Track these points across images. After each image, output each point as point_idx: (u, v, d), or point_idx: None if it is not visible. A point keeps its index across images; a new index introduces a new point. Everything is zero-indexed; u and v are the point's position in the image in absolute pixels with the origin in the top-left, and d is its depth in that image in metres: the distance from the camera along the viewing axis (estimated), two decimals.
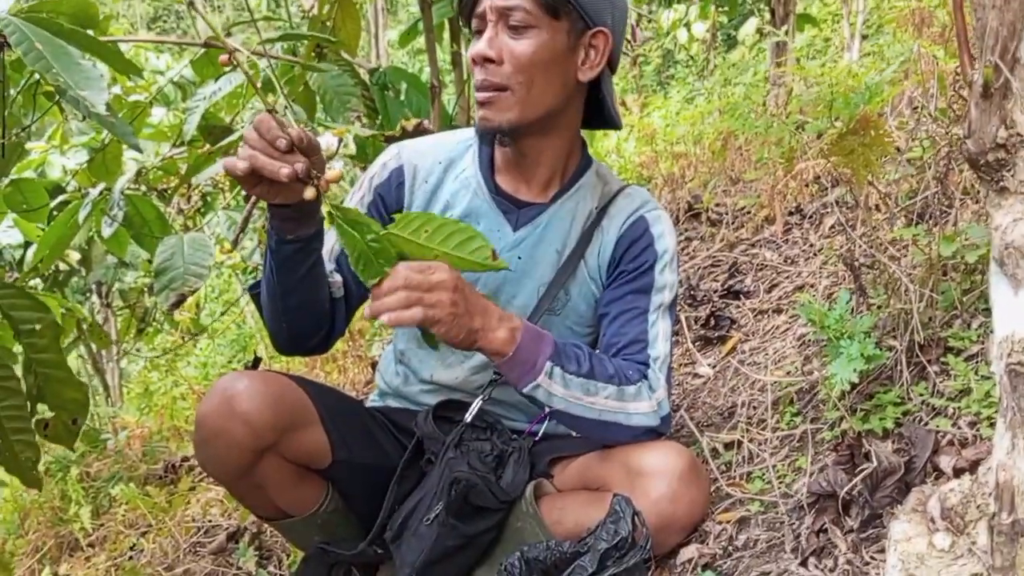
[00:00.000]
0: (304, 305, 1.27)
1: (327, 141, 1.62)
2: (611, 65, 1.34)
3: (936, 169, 1.67)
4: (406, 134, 1.76)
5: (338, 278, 1.36)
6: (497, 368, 1.23)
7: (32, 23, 0.89)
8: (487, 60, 1.25)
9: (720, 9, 5.03)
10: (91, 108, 0.86)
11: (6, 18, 0.89)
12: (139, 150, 1.11)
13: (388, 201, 1.41)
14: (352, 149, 2.08)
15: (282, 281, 1.22)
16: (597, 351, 1.32)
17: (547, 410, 1.44)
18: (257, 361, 1.44)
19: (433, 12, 2.16)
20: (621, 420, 1.26)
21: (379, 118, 2.08)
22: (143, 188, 2.37)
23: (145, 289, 3.01)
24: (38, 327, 0.86)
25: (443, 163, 1.42)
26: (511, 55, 1.24)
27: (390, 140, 1.74)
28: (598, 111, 1.39)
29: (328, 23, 2.08)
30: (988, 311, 0.82)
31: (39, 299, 0.92)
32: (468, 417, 1.34)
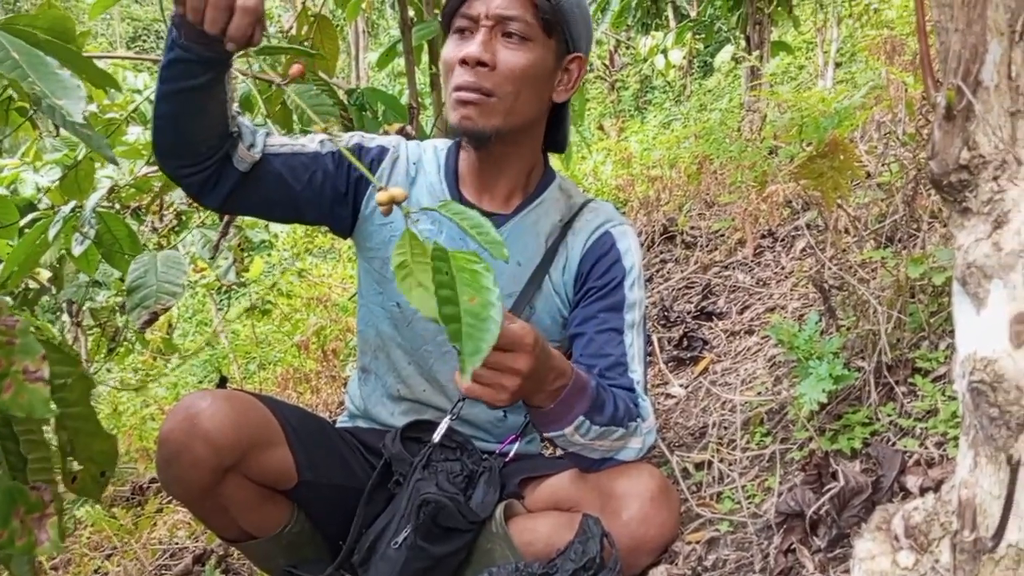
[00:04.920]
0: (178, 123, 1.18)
1: None
2: None
3: (904, 193, 1.70)
4: None
5: (251, 152, 1.26)
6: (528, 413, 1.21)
7: (8, 32, 0.88)
8: (479, 63, 1.24)
9: (697, 36, 5.10)
10: (68, 117, 0.84)
11: None
12: (115, 163, 1.10)
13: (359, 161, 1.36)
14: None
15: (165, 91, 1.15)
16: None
17: (518, 431, 1.45)
18: (223, 381, 1.42)
19: (413, 35, 2.17)
20: (612, 455, 1.26)
21: None
22: (116, 206, 2.34)
23: (117, 308, 2.97)
24: (69, 381, 0.84)
25: (415, 163, 1.41)
26: (505, 64, 1.24)
27: None
28: (553, 133, 1.40)
29: (307, 43, 2.09)
30: (954, 332, 0.83)
31: (69, 353, 0.90)
32: (436, 437, 1.33)
